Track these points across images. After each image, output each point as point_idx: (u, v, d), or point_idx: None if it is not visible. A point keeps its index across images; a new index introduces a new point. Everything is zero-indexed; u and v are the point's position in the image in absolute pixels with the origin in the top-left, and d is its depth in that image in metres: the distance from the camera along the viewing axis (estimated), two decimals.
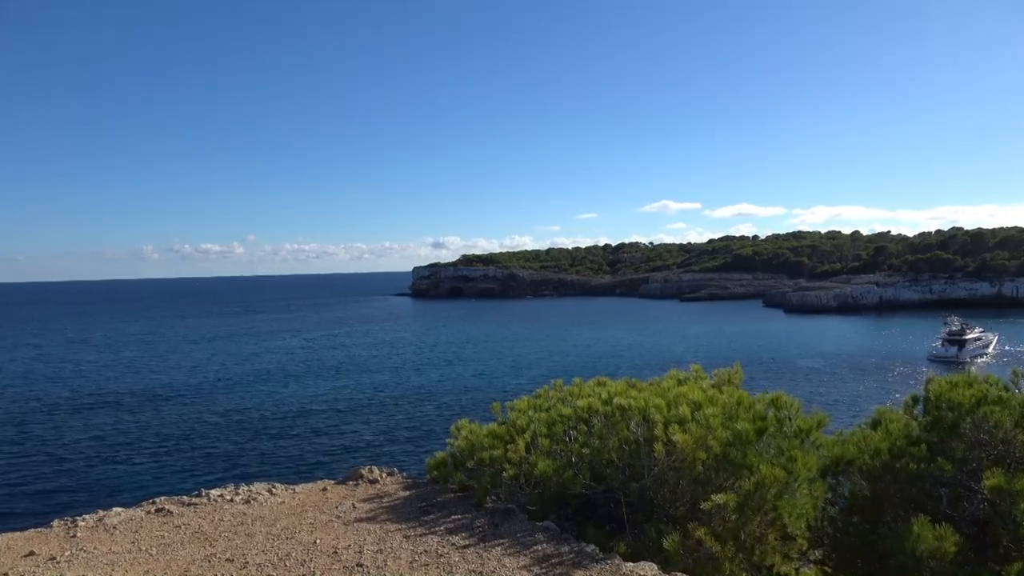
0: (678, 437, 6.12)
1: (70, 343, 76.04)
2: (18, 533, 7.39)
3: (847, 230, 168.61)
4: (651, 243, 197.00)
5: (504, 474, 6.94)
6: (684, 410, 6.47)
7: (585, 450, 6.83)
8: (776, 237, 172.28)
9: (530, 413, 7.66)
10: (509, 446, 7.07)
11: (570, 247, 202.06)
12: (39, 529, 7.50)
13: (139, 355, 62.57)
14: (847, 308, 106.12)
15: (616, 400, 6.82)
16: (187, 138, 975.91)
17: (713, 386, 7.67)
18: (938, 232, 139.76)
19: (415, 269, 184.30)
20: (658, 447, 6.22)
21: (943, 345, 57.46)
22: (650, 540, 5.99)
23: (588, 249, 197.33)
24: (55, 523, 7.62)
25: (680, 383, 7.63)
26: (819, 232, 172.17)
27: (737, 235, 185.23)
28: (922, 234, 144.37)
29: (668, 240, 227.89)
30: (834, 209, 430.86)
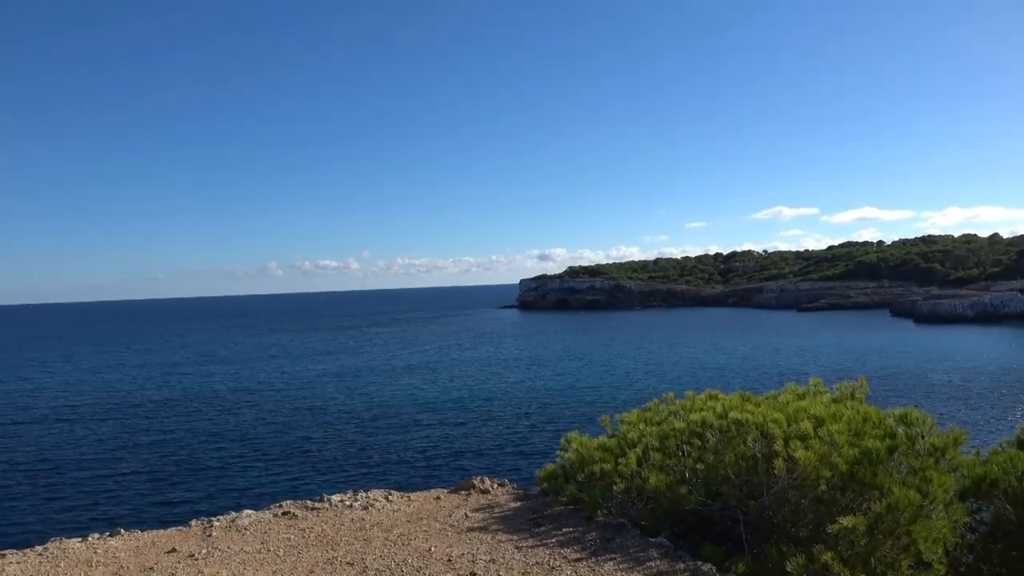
0: (800, 454, 5.84)
1: (202, 355, 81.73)
2: (161, 531, 8.00)
3: (984, 233, 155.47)
4: (765, 251, 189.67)
5: (615, 488, 6.86)
6: (805, 425, 6.17)
7: (699, 465, 6.65)
8: (904, 242, 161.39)
9: (641, 426, 7.54)
10: (620, 460, 7.00)
11: (679, 257, 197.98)
12: (179, 528, 8.09)
13: (264, 367, 66.35)
14: (986, 317, 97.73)
15: (732, 414, 6.61)
16: (306, 161, 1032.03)
17: (835, 401, 7.27)
18: None
19: (522, 281, 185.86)
20: (778, 464, 5.96)
21: None
22: (771, 562, 5.74)
23: (698, 258, 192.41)
24: (193, 523, 8.19)
25: (800, 397, 7.30)
26: (952, 236, 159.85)
27: (860, 241, 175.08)
28: None
29: (783, 248, 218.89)
30: (969, 211, 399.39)
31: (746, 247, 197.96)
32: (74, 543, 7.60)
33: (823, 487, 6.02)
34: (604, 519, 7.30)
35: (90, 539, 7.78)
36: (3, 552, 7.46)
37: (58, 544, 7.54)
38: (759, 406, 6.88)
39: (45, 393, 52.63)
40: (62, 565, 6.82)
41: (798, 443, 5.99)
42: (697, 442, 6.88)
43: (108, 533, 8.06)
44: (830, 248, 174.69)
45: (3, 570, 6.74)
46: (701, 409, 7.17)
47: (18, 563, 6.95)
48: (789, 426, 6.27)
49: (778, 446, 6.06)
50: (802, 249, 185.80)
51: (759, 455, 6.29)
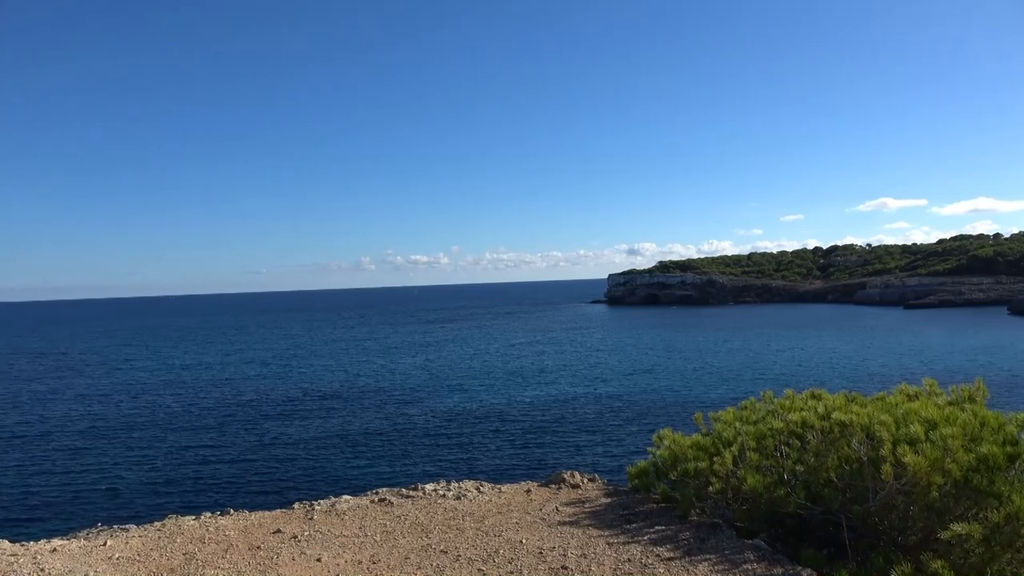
0: (909, 459, 5.53)
1: (297, 347, 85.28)
2: (267, 512, 8.42)
3: None
4: (868, 245, 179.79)
5: (710, 487, 6.71)
6: (916, 429, 5.84)
7: (799, 467, 6.41)
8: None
9: (737, 425, 7.33)
10: (715, 458, 6.83)
11: (774, 251, 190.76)
12: (283, 510, 8.48)
13: (359, 359, 68.59)
14: None
15: (835, 415, 6.33)
16: (398, 159, 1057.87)
17: (950, 403, 6.84)
18: None
19: (610, 276, 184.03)
20: (885, 468, 5.67)
21: None
22: (876, 569, 5.49)
23: (795, 252, 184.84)
24: (296, 505, 8.57)
25: (911, 399, 6.91)
26: None
27: (974, 234, 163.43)
28: None
29: (888, 241, 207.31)
30: None
31: (847, 241, 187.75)
32: (188, 520, 8.10)
33: (935, 494, 5.69)
34: (698, 519, 7.16)
35: (203, 517, 8.28)
36: (126, 526, 8.04)
37: (175, 521, 8.06)
38: (865, 407, 6.56)
39: (167, 379, 56.34)
40: (178, 540, 7.28)
41: (907, 447, 5.67)
42: (797, 443, 6.63)
43: (219, 512, 8.56)
44: (940, 241, 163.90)
45: (127, 543, 7.26)
46: (801, 409, 6.90)
47: (140, 537, 7.47)
48: (898, 429, 5.95)
49: (885, 450, 5.76)
50: (909, 243, 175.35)
51: (864, 459, 5.99)
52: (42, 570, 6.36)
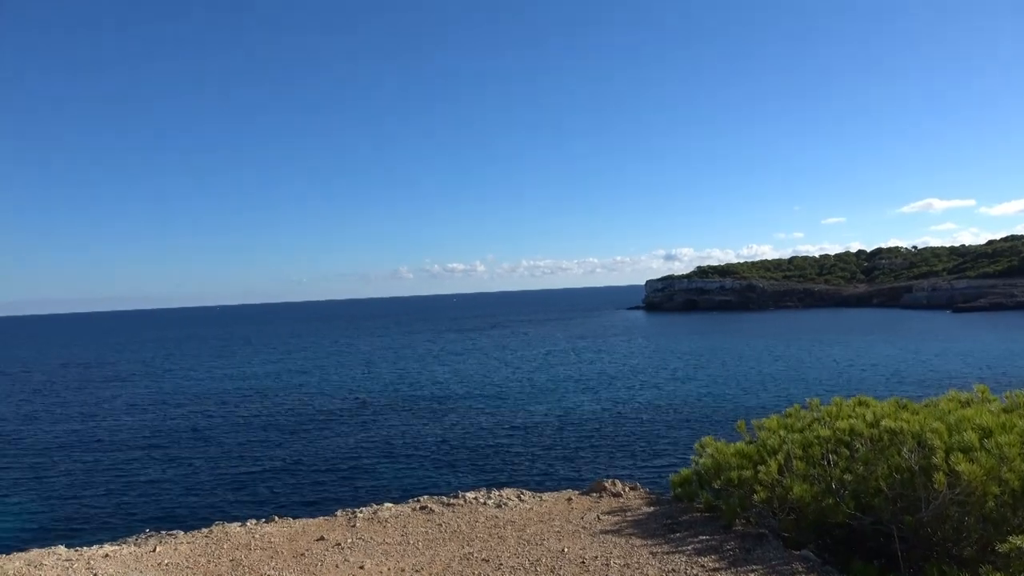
0: (963, 467, 5.36)
1: (339, 355, 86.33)
2: (310, 520, 8.53)
3: None
4: (914, 247, 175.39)
5: (755, 496, 6.59)
6: (970, 436, 5.67)
7: (847, 476, 6.26)
8: None
9: (781, 433, 7.20)
10: (760, 467, 6.71)
11: (816, 254, 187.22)
12: (326, 517, 8.58)
13: (399, 367, 69.15)
14: None
15: (884, 422, 6.18)
16: (432, 167, 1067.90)
17: (1004, 410, 6.63)
18: None
19: (648, 282, 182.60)
20: (938, 478, 5.51)
21: None
22: None
23: (838, 256, 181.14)
24: (339, 513, 8.67)
25: (963, 405, 6.71)
26: None
27: None
28: None
29: (934, 243, 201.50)
30: None
31: (892, 243, 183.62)
32: (235, 527, 8.25)
33: (991, 504, 5.51)
34: (743, 529, 7.04)
35: (248, 524, 8.43)
36: (174, 533, 8.22)
37: (221, 528, 8.22)
38: (915, 414, 6.39)
39: (210, 389, 57.55)
40: (225, 547, 7.42)
41: (961, 456, 5.51)
42: (845, 451, 6.48)
43: (264, 519, 8.70)
44: (990, 243, 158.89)
45: (176, 549, 7.42)
46: (849, 416, 6.74)
47: (188, 543, 7.63)
48: (951, 437, 5.78)
49: (938, 458, 5.60)
50: (957, 244, 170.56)
51: (916, 467, 5.83)
52: (95, 575, 6.54)
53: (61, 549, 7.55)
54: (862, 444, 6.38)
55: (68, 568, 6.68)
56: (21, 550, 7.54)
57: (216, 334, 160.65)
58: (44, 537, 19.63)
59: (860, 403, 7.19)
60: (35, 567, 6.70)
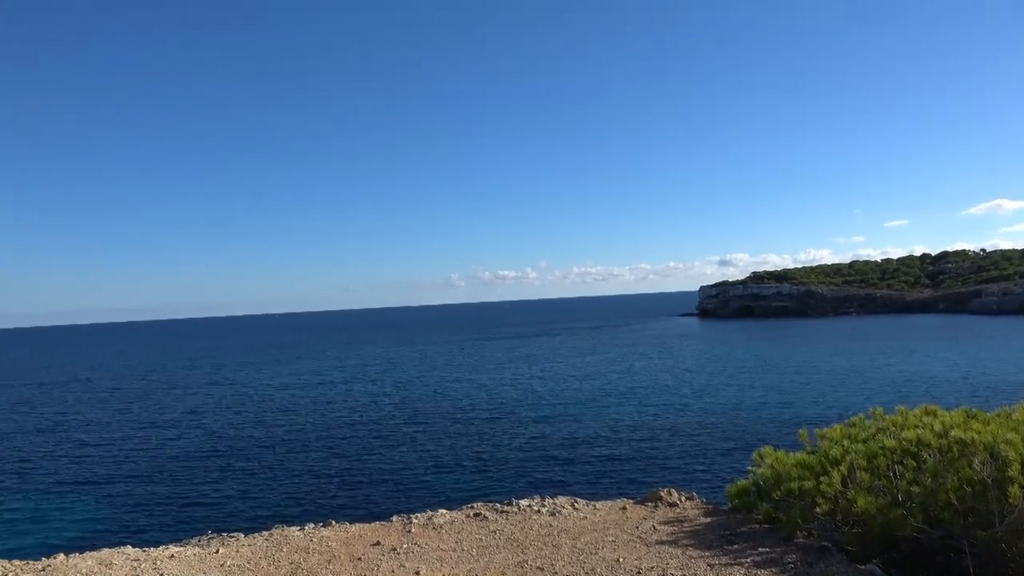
0: None
1: (391, 362, 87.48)
2: (366, 525, 8.64)
3: None
4: (982, 250, 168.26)
5: (817, 508, 6.41)
6: None
7: (915, 488, 6.03)
8: None
9: (845, 443, 6.98)
10: (822, 478, 6.52)
11: (878, 259, 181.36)
12: (382, 523, 8.68)
13: (450, 373, 69.67)
14: None
15: (954, 433, 5.94)
16: (485, 174, 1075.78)
17: None
18: None
19: (702, 288, 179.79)
20: (1013, 491, 5.27)
21: None
22: None
23: (901, 260, 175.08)
24: (394, 518, 8.75)
25: None
26: None
27: None
28: None
29: (1004, 246, 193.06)
30: None
31: (958, 246, 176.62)
32: (293, 531, 8.42)
33: None
34: (804, 541, 6.84)
35: (306, 528, 8.58)
36: (235, 535, 8.43)
37: (280, 531, 8.39)
38: (987, 424, 6.12)
39: (268, 396, 59.03)
40: (284, 550, 7.57)
41: None
42: (912, 463, 6.25)
43: (321, 524, 8.85)
44: None
45: (238, 551, 7.61)
46: (916, 426, 6.50)
47: (249, 546, 7.82)
48: None
49: (1013, 471, 5.36)
50: None
51: (988, 480, 5.58)
52: (162, 575, 6.75)
53: (129, 549, 7.82)
54: (930, 455, 6.14)
55: (136, 568, 6.91)
56: (92, 549, 7.85)
57: (272, 342, 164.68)
58: (112, 537, 20.42)
59: (927, 412, 6.93)
60: (105, 566, 6.95)
